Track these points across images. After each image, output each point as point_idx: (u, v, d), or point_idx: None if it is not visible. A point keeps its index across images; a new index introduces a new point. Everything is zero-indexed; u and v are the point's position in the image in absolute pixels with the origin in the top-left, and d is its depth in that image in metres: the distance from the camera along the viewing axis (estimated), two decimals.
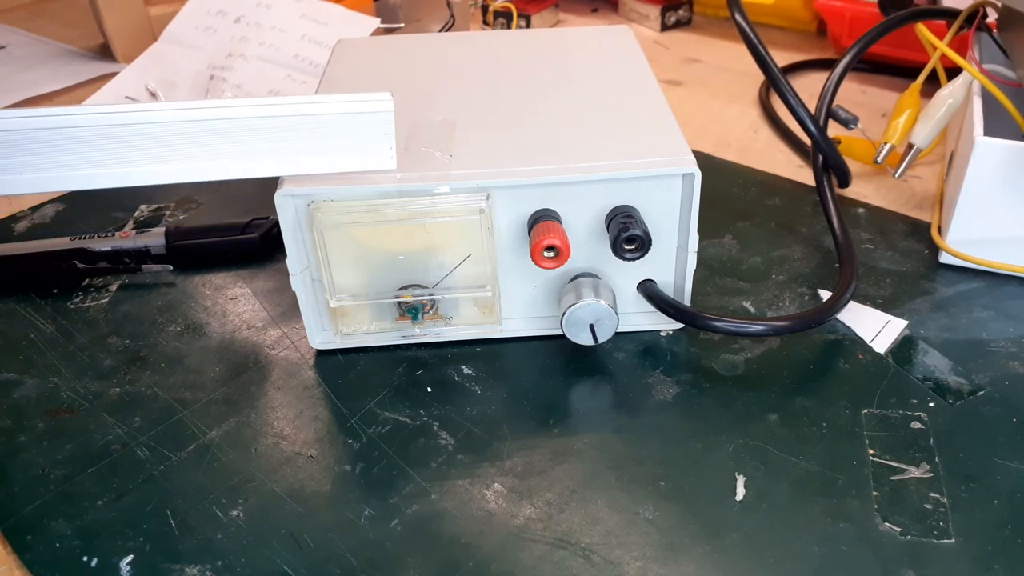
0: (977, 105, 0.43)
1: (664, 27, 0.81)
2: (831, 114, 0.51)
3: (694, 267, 0.38)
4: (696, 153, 0.37)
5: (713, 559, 0.30)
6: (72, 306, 0.44)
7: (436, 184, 0.36)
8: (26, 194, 0.39)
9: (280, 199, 0.35)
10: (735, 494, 0.32)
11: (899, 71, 0.67)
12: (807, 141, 0.51)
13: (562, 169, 0.36)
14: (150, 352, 0.41)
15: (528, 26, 0.81)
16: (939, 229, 0.45)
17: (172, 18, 0.72)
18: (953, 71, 0.49)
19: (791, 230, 0.48)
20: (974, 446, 0.34)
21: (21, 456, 0.35)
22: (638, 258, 0.36)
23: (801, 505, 0.32)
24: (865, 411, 0.36)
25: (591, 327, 0.37)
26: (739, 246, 0.47)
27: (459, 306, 0.39)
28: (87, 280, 0.46)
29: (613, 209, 0.37)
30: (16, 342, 0.42)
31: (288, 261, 0.37)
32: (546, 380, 0.38)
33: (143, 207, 0.53)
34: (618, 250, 0.36)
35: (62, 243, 0.47)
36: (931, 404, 0.36)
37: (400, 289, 0.38)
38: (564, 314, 0.37)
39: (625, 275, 0.39)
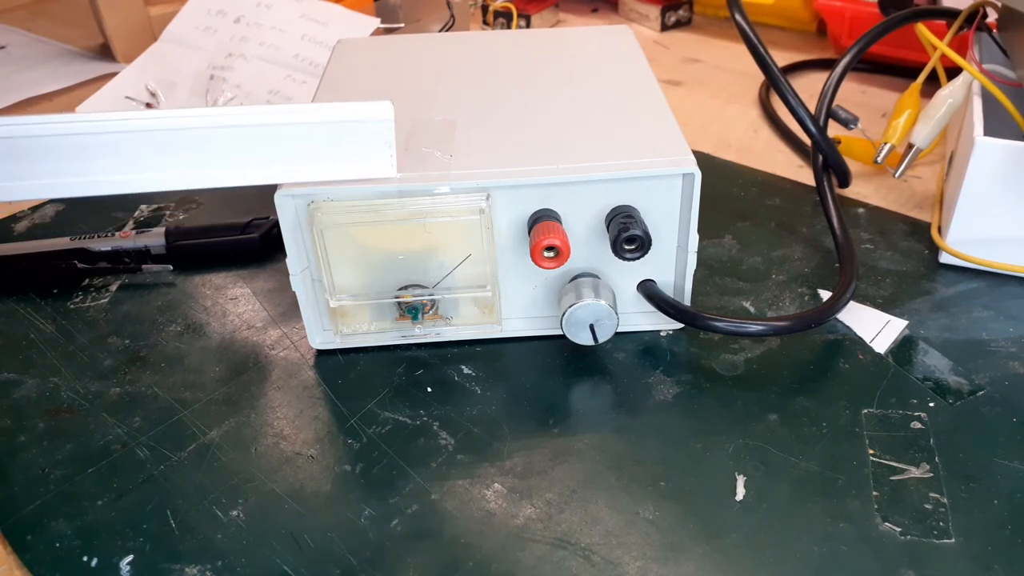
0: (977, 105, 0.43)
1: (664, 27, 0.81)
2: (831, 114, 0.51)
3: (694, 267, 0.38)
4: (696, 153, 0.37)
5: (713, 559, 0.30)
6: (72, 306, 0.44)
7: (436, 184, 0.36)
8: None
9: (280, 199, 0.35)
10: (735, 494, 0.32)
11: (899, 71, 0.67)
12: (807, 141, 0.51)
13: (562, 169, 0.36)
14: (150, 352, 0.41)
15: (528, 26, 0.81)
16: (939, 229, 0.45)
17: (172, 18, 0.72)
18: (953, 71, 0.49)
19: (791, 230, 0.48)
20: (974, 446, 0.34)
21: (21, 456, 0.35)
22: (638, 258, 0.36)
23: (801, 505, 0.32)
24: (865, 411, 0.36)
25: (591, 327, 0.37)
26: (739, 246, 0.47)
27: (459, 306, 0.39)
28: (87, 280, 0.46)
29: (613, 209, 0.37)
30: (16, 342, 0.42)
31: (288, 261, 0.37)
32: (546, 380, 0.38)
33: (143, 207, 0.53)
34: (618, 250, 0.36)
35: (62, 243, 0.47)
36: (931, 404, 0.36)
37: (400, 289, 0.38)
38: (564, 314, 0.37)
39: (625, 275, 0.39)
